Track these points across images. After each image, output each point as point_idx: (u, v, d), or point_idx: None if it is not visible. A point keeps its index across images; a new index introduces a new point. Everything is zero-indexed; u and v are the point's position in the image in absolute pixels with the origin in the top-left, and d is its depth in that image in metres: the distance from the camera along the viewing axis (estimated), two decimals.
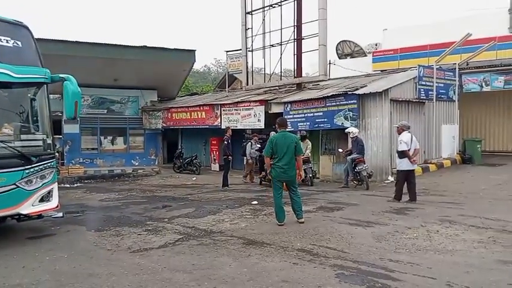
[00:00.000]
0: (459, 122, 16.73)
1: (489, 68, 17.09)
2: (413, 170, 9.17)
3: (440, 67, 15.37)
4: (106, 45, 17.01)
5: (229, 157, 12.88)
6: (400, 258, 5.07)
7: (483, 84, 16.88)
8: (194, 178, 16.13)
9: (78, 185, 15.34)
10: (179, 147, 20.36)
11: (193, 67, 21.83)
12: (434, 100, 14.66)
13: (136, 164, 20.09)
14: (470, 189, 10.51)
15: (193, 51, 18.27)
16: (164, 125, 19.64)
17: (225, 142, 12.96)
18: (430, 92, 14.57)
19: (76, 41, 16.38)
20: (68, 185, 14.91)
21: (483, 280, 4.30)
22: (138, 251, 5.81)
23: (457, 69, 16.21)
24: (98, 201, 11.04)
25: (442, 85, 15.31)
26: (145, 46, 17.62)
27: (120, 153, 20.28)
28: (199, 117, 17.93)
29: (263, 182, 12.88)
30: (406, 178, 9.06)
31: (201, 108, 17.93)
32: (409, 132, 9.34)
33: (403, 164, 9.07)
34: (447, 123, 15.74)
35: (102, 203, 10.60)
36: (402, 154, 9.03)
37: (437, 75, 14.87)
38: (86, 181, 16.19)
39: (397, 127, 9.67)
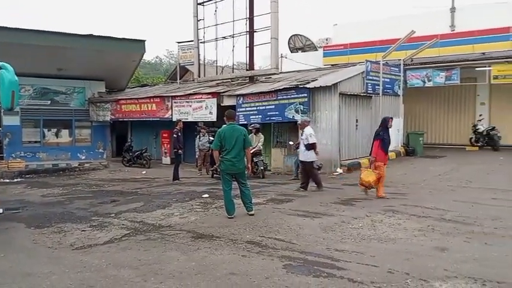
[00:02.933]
0: (403, 116, 17.45)
1: (432, 64, 17.95)
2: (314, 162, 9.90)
3: (386, 63, 15.92)
4: (49, 33, 16.14)
5: (180, 150, 12.69)
6: (346, 248, 5.22)
7: (426, 79, 17.71)
8: (144, 172, 15.78)
9: (19, 180, 14.55)
10: (128, 140, 19.77)
11: (144, 58, 21.28)
12: (380, 94, 15.19)
13: (83, 157, 19.32)
14: (412, 180, 11.01)
15: (143, 41, 17.76)
16: (113, 117, 19.02)
17: (175, 135, 12.73)
18: (377, 87, 15.08)
19: (16, 28, 15.43)
20: (8, 180, 14.14)
21: (422, 266, 4.51)
22: (81, 248, 5.61)
23: (402, 65, 16.88)
24: (40, 196, 10.54)
25: (388, 80, 15.89)
26: (92, 35, 16.91)
27: (65, 146, 19.41)
28: (150, 109, 17.51)
29: (215, 175, 12.81)
30: (311, 168, 9.79)
31: (152, 100, 17.52)
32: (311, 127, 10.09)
33: (310, 155, 9.70)
34: (393, 117, 16.34)
35: (44, 199, 10.12)
36: (311, 146, 9.61)
37: (384, 71, 15.40)
38: (27, 176, 15.39)
39: (300, 123, 10.24)
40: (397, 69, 16.60)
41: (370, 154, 8.96)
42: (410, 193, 9.22)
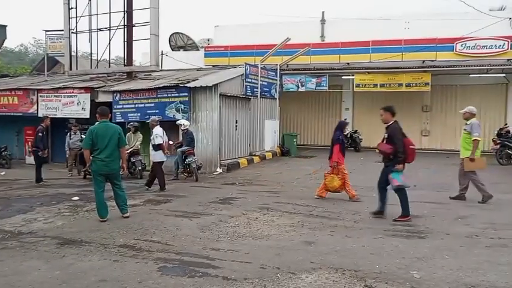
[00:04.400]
0: (279, 118, 18.45)
1: (304, 71, 19.33)
2: (163, 162, 10.12)
3: (264, 67, 16.65)
4: None
5: (41, 151, 11.41)
6: (222, 246, 5.31)
7: (299, 84, 19.02)
8: (3, 173, 14.00)
9: None
10: None
11: (6, 45, 18.91)
12: (258, 97, 15.83)
13: None
14: (286, 179, 11.68)
15: (4, 26, 15.84)
16: None
17: (40, 134, 11.47)
18: (255, 89, 15.67)
19: None
20: None
21: (291, 260, 4.80)
22: None
23: (278, 70, 17.83)
24: None
25: (265, 83, 16.63)
26: None
27: None
28: (11, 102, 15.65)
29: (87, 176, 11.96)
30: (161, 168, 10.01)
31: (13, 93, 15.67)
32: (160, 126, 10.27)
33: (158, 156, 9.95)
34: (270, 119, 17.19)
35: None
36: (158, 147, 9.88)
37: (262, 74, 16.08)
38: None
39: (150, 123, 10.47)
40: (274, 73, 17.47)
41: (329, 159, 8.63)
42: (283, 191, 9.76)
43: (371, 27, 20.17)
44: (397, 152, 6.44)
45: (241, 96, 14.88)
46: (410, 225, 6.40)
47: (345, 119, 19.70)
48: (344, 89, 20.11)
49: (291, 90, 19.30)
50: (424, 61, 18.30)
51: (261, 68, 16.12)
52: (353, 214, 7.19)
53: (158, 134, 9.92)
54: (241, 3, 74.56)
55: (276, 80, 17.68)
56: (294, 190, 9.96)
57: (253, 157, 15.21)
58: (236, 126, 14.50)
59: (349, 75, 19.05)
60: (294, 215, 7.16)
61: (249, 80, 15.36)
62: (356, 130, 19.11)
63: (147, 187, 10.06)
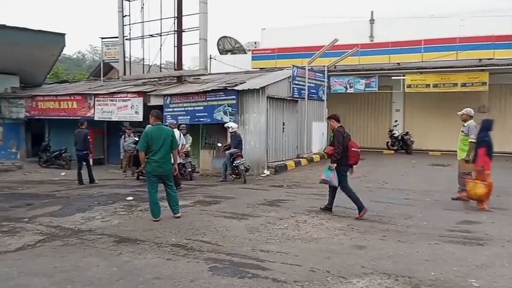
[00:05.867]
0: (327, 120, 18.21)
1: (353, 72, 18.98)
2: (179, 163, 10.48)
3: (311, 68, 16.54)
4: None
5: (87, 152, 11.98)
6: (271, 248, 5.32)
7: (348, 86, 18.70)
8: (63, 173, 14.84)
9: None
10: (46, 139, 18.48)
11: (65, 52, 20.09)
12: (306, 99, 15.73)
13: None
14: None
15: (63, 34, 16.68)
16: (28, 114, 17.67)
17: (88, 136, 12.08)
18: (302, 91, 15.59)
19: None
20: None
21: (342, 264, 4.73)
22: None
23: (326, 71, 17.63)
24: None
25: (313, 85, 16.50)
26: (5, 26, 15.55)
27: None
28: (70, 107, 16.53)
29: (140, 177, 12.41)
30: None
31: (72, 98, 16.55)
32: (178, 129, 10.70)
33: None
34: (317, 121, 17.03)
35: None
36: None
37: (309, 76, 15.97)
38: None
39: (168, 126, 10.74)
40: (321, 75, 17.30)
41: (473, 162, 7.94)
42: None
43: (422, 25, 19.49)
44: (335, 152, 7.11)
45: (288, 98, 14.86)
46: (468, 232, 6.11)
47: (396, 121, 19.25)
48: (394, 90, 19.52)
49: (339, 91, 19.02)
50: (480, 59, 17.41)
51: (309, 69, 16.02)
52: (405, 218, 6.98)
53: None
54: (288, 5, 74.52)
55: (324, 81, 17.50)
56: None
57: (301, 159, 15.13)
58: (283, 128, 14.49)
59: (400, 76, 18.46)
60: (343, 218, 7.05)
61: (296, 82, 15.30)
62: (407, 132, 18.51)
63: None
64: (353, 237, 5.88)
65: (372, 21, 22.08)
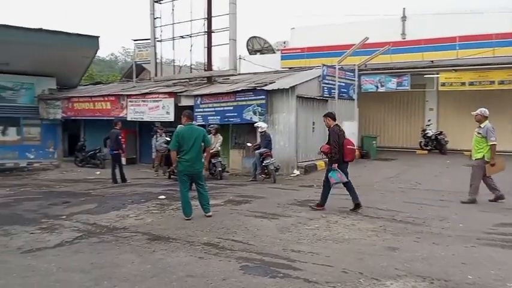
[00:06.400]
0: (358, 119, 17.97)
1: (384, 70, 18.63)
2: None
3: (342, 67, 16.34)
4: None
5: (123, 152, 12.29)
6: (302, 249, 5.30)
7: (379, 85, 18.35)
8: (98, 172, 15.28)
9: None
10: (81, 139, 19.09)
11: (98, 55, 20.58)
12: (336, 98, 15.55)
13: (32, 157, 18.39)
14: (365, 182, 11.33)
15: (97, 37, 17.18)
16: (64, 115, 18.28)
17: (120, 137, 12.40)
18: (332, 91, 15.44)
19: None
20: None
21: (374, 265, 4.66)
22: (29, 251, 5.36)
23: (356, 70, 17.38)
24: None
25: (343, 84, 16.31)
26: (42, 29, 16.16)
27: (12, 145, 18.36)
28: (104, 108, 16.99)
29: (172, 176, 12.63)
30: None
31: (106, 99, 17.00)
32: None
33: None
34: (347, 120, 16.78)
35: None
36: None
37: (339, 75, 15.79)
38: None
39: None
40: (352, 74, 17.08)
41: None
42: (363, 195, 9.39)
43: (457, 21, 18.90)
44: (332, 151, 7.27)
45: (318, 97, 14.76)
46: (506, 234, 5.90)
47: (429, 120, 18.77)
48: (428, 89, 19.03)
49: (370, 90, 18.70)
50: None
51: (339, 68, 15.84)
52: (440, 220, 6.80)
53: None
54: (317, 5, 73.91)
55: (354, 80, 17.27)
56: (374, 194, 9.64)
57: None
58: (313, 128, 14.40)
59: (434, 74, 17.97)
60: (375, 219, 6.94)
61: (326, 81, 15.17)
62: (441, 131, 18.01)
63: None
64: (386, 238, 5.79)
65: (403, 18, 21.60)
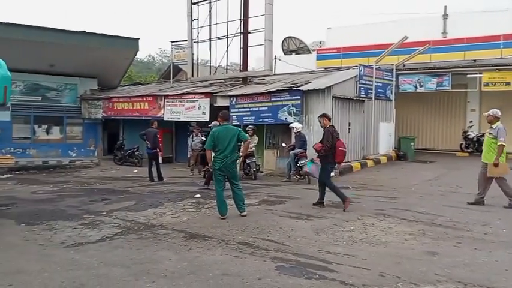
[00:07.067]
0: (395, 120, 17.59)
1: (423, 70, 18.13)
2: None
3: (379, 67, 16.04)
4: (41, 29, 15.94)
5: (156, 150, 12.52)
6: (337, 250, 5.25)
7: (418, 85, 17.89)
8: (136, 170, 15.70)
9: (9, 176, 14.41)
10: (120, 138, 19.68)
11: (137, 56, 21.11)
12: (373, 99, 15.29)
13: (74, 155, 19.12)
14: (403, 184, 11.10)
15: (137, 39, 17.65)
16: (105, 114, 18.89)
17: (158, 135, 12.67)
18: (369, 91, 15.18)
19: (7, 23, 15.25)
20: None
21: (413, 270, 4.55)
22: (72, 246, 5.58)
23: (394, 70, 17.01)
24: (30, 193, 10.44)
25: (380, 84, 16.00)
26: (85, 32, 16.76)
27: (56, 143, 19.18)
28: (142, 107, 17.42)
29: (207, 176, 12.77)
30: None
31: (144, 99, 17.43)
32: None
33: None
34: (384, 121, 16.49)
35: (35, 196, 10.03)
36: None
37: (377, 75, 15.51)
38: (17, 172, 15.25)
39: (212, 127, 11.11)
40: (389, 74, 16.73)
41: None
42: (401, 197, 9.29)
43: (501, 19, 18.16)
44: (322, 149, 7.70)
45: (354, 98, 14.54)
46: None
47: (471, 122, 18.13)
48: (469, 89, 18.38)
49: (408, 91, 18.25)
50: None
51: (376, 68, 15.56)
52: (482, 225, 6.55)
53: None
54: (354, 4, 72.88)
55: (392, 80, 16.90)
56: (412, 197, 9.42)
57: (367, 161, 14.73)
58: (349, 129, 14.20)
59: (476, 73, 17.35)
60: (413, 222, 6.77)
61: (363, 82, 14.93)
62: (483, 133, 17.30)
63: (206, 186, 10.64)
64: (425, 242, 5.63)
65: (445, 16, 20.99)
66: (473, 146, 17.28)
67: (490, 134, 8.03)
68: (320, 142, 7.94)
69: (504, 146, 7.79)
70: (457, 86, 17.92)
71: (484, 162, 8.14)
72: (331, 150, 7.66)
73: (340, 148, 7.74)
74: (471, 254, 5.11)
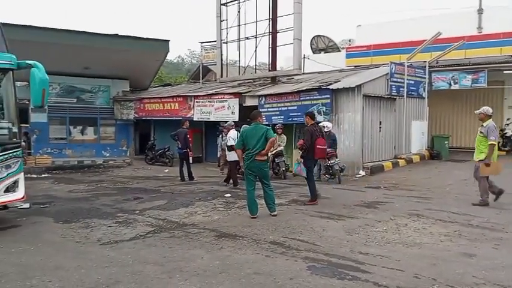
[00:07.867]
0: (428, 119, 17.16)
1: (458, 66, 17.59)
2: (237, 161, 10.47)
3: (411, 64, 15.69)
4: (76, 32, 16.45)
5: (186, 150, 12.63)
6: (370, 251, 5.17)
7: (452, 82, 17.36)
8: (167, 170, 15.95)
9: (46, 175, 14.92)
10: (151, 138, 20.07)
11: (167, 57, 21.45)
12: (405, 96, 14.98)
13: (107, 155, 19.67)
14: (437, 184, 10.82)
15: (167, 41, 17.95)
16: (136, 115, 19.31)
17: (188, 135, 12.82)
18: (401, 89, 14.88)
19: (44, 27, 15.79)
20: (35, 176, 14.46)
21: (449, 272, 4.43)
22: (108, 243, 5.72)
23: (427, 67, 16.60)
24: (67, 192, 10.78)
25: (412, 82, 15.65)
26: (117, 34, 17.20)
27: (90, 143, 19.79)
28: (172, 108, 17.70)
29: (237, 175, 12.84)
30: (235, 167, 11.07)
31: (174, 100, 17.71)
32: (235, 129, 11.31)
33: (232, 156, 10.71)
34: (417, 120, 16.12)
35: (71, 194, 10.36)
36: (231, 148, 10.58)
37: (408, 73, 15.17)
38: (54, 172, 15.77)
39: (226, 128, 11.96)
40: (422, 71, 16.34)
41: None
42: (435, 197, 9.06)
43: None
44: (303, 147, 8.06)
45: (385, 96, 14.28)
46: None
47: (508, 119, 17.47)
48: (507, 85, 17.72)
49: (442, 88, 17.74)
50: None
51: (408, 66, 15.22)
52: None
53: (231, 137, 11.04)
54: (385, 1, 71.60)
55: (425, 78, 16.49)
56: (446, 197, 9.16)
57: (399, 160, 14.44)
58: (380, 127, 13.96)
59: None
60: (449, 223, 6.58)
61: (394, 79, 14.64)
62: None
63: (225, 183, 11.30)
64: (461, 244, 5.47)
65: (480, 11, 20.31)
66: (511, 144, 16.65)
67: (481, 132, 7.93)
68: (301, 139, 8.40)
69: (495, 145, 7.68)
70: (493, 82, 17.29)
71: (476, 161, 8.08)
72: (311, 148, 8.01)
73: (318, 146, 8.03)
74: (510, 257, 4.93)
